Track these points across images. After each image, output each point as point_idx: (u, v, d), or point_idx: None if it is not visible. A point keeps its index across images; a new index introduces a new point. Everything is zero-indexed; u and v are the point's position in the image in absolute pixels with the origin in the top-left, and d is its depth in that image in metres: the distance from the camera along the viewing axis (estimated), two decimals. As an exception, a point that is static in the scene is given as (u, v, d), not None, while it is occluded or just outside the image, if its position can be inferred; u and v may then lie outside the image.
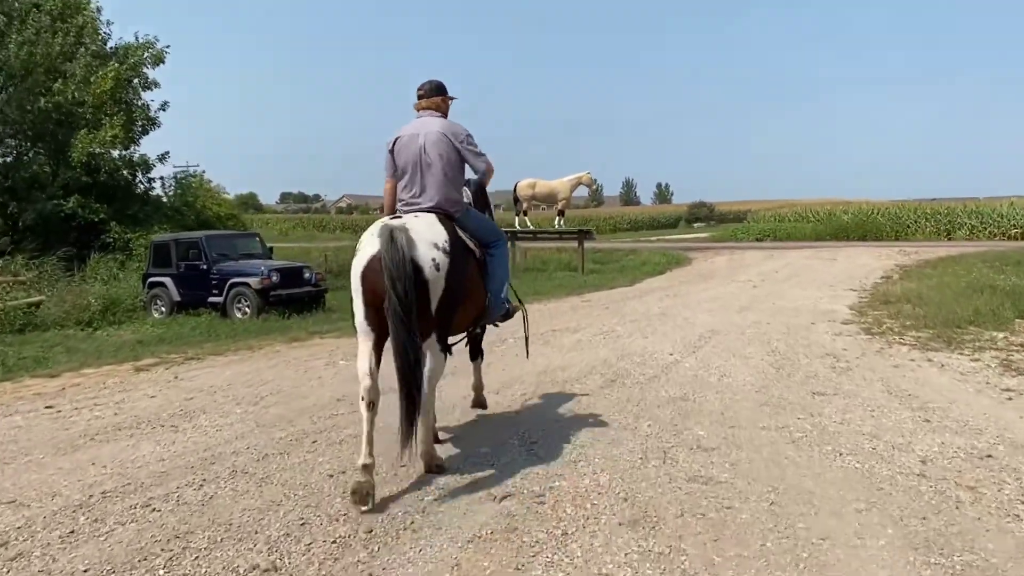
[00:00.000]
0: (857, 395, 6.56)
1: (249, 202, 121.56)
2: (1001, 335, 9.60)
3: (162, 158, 22.23)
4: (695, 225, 64.35)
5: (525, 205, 22.25)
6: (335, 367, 8.27)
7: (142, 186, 22.27)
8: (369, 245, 4.29)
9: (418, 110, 5.02)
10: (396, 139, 4.90)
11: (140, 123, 21.66)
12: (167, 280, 14.76)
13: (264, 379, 7.70)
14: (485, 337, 6.21)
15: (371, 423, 4.24)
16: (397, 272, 4.04)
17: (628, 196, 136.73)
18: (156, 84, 21.75)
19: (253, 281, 13.64)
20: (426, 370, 4.34)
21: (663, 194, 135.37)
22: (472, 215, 5.07)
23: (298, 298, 14.17)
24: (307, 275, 14.63)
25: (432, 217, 4.57)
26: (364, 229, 4.78)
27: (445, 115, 5.06)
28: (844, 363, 8.04)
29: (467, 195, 5.40)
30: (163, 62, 21.35)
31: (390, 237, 4.12)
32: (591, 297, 15.50)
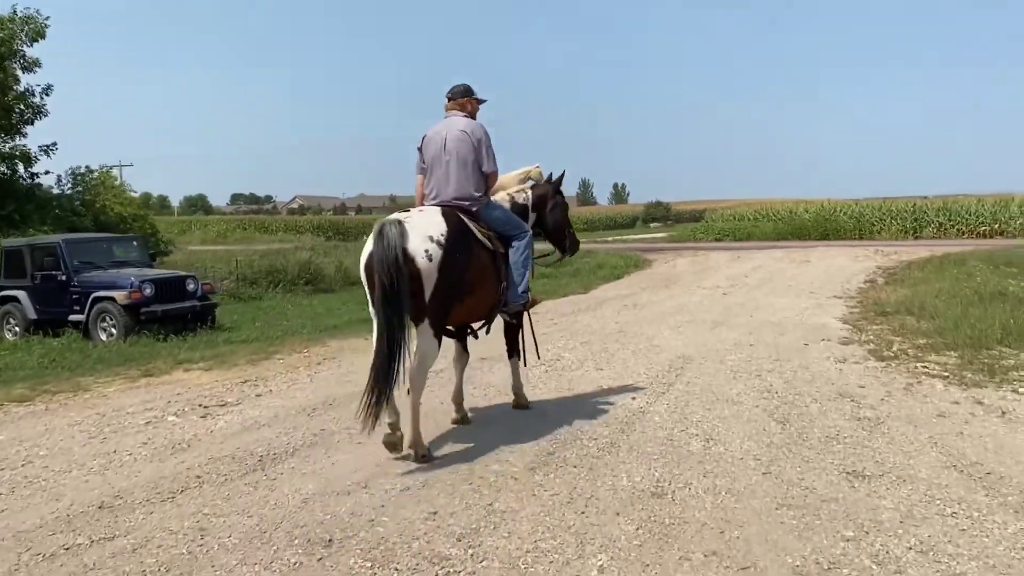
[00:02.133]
0: (913, 476, 4.33)
1: (198, 204, 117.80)
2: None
3: (47, 150, 19.26)
4: (652, 225, 62.65)
5: (466, 203, 19.87)
6: (157, 428, 5.78)
7: (24, 182, 19.25)
8: (370, 240, 4.50)
9: (447, 111, 5.27)
10: (424, 137, 5.21)
11: (19, 110, 18.68)
12: (21, 294, 12.01)
13: (35, 452, 5.18)
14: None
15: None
16: (382, 263, 4.29)
17: (585, 196, 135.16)
18: (37, 64, 18.74)
19: (119, 295, 10.98)
20: (416, 354, 4.51)
21: (619, 194, 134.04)
22: (492, 208, 5.23)
23: (178, 314, 11.55)
24: (191, 287, 11.97)
25: (437, 211, 4.71)
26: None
27: (472, 115, 5.28)
28: (869, 410, 5.85)
29: (527, 194, 5.90)
30: (43, 37, 18.39)
31: (379, 232, 4.38)
32: (537, 308, 13.15)
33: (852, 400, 6.18)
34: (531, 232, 5.53)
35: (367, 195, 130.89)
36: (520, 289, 5.30)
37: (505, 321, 5.75)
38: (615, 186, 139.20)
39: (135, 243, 13.47)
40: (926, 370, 7.28)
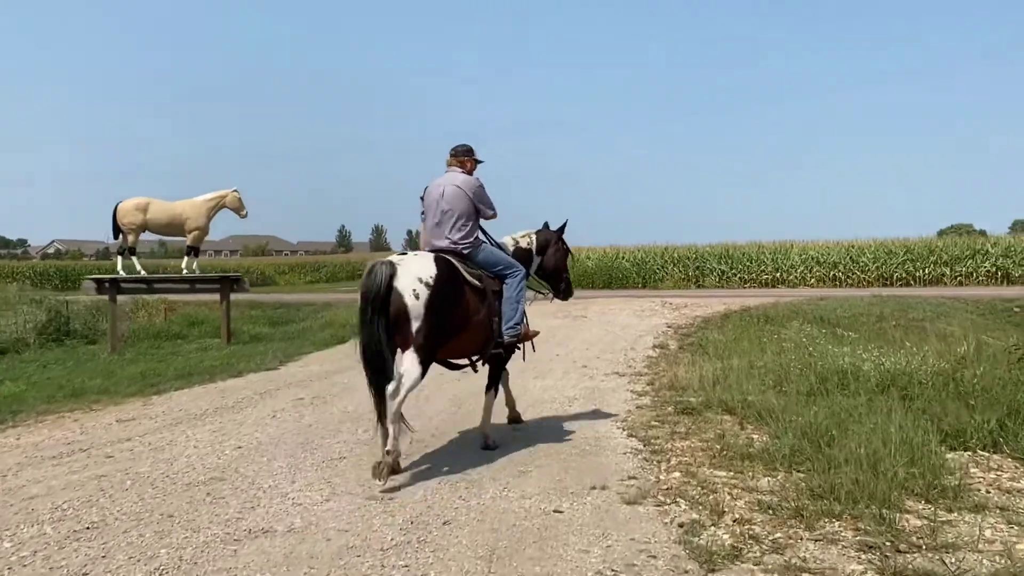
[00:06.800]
0: None
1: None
2: (974, 530, 3.67)
3: None
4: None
5: (132, 237, 14.20)
6: None
7: None
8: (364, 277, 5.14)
9: (448, 166, 5.98)
10: (426, 188, 5.93)
11: None
12: None
13: None
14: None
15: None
16: (370, 294, 4.99)
17: (379, 242, 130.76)
18: None
19: None
20: (398, 375, 5.03)
21: (414, 241, 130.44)
22: (484, 251, 5.84)
23: None
24: None
25: (429, 256, 5.31)
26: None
27: (469, 172, 5.98)
28: None
29: (531, 239, 6.59)
30: None
31: (370, 270, 5.08)
32: (163, 406, 7.92)
33: None
34: (524, 270, 6.00)
35: (140, 239, 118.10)
36: (513, 322, 5.74)
37: (491, 354, 5.97)
38: (409, 233, 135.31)
39: None
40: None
